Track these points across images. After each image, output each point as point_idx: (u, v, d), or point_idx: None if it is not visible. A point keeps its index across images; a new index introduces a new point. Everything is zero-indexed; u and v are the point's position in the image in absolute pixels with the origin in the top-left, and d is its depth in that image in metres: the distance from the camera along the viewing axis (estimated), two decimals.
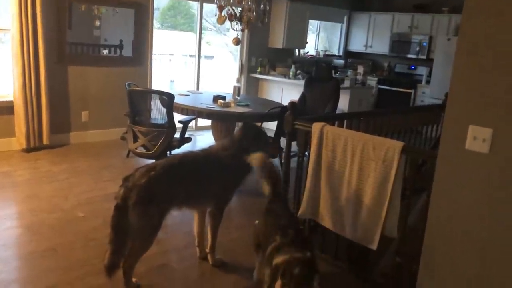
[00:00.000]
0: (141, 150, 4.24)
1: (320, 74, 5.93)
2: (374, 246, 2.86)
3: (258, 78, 7.86)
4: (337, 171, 3.02)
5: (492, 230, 2.26)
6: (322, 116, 4.26)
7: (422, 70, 8.71)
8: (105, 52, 5.81)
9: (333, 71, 6.65)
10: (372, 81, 8.70)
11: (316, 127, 3.12)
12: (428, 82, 8.35)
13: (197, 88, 7.13)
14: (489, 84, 2.20)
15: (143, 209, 2.42)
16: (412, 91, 8.51)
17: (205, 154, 2.87)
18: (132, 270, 2.56)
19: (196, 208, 2.94)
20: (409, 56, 8.73)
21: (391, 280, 2.88)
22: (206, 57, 8.53)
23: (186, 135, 4.54)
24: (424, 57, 8.50)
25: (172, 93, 4.06)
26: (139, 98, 4.29)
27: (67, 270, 2.82)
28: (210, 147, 3.00)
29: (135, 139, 4.16)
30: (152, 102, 4.79)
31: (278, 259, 2.17)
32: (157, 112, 4.35)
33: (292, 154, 3.56)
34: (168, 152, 4.23)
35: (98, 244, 3.17)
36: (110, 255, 2.44)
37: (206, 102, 4.93)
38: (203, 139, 6.66)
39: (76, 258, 2.98)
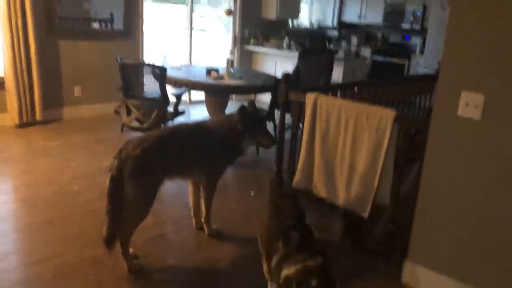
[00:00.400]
0: (135, 123, 4.23)
1: (314, 46, 5.88)
2: (365, 214, 2.91)
3: (252, 51, 7.78)
4: (331, 141, 3.04)
5: (484, 195, 2.31)
6: (316, 87, 4.25)
7: (416, 40, 8.66)
8: (96, 25, 5.72)
9: (327, 43, 6.59)
10: (366, 52, 8.65)
11: (310, 97, 3.12)
12: (422, 52, 8.31)
13: (190, 62, 7.07)
14: (482, 51, 2.21)
15: (138, 179, 2.44)
16: (406, 61, 8.49)
17: (198, 127, 2.88)
18: (129, 241, 2.59)
19: (189, 178, 2.96)
20: (403, 26, 8.66)
21: (384, 247, 2.94)
22: (198, 30, 8.42)
23: (180, 109, 4.52)
24: (418, 27, 8.43)
25: (165, 67, 4.02)
26: (132, 71, 4.26)
27: (64, 242, 2.85)
28: (205, 121, 3.02)
29: (129, 112, 4.15)
30: (145, 76, 4.76)
31: (288, 271, 1.88)
32: (150, 86, 4.32)
33: (286, 127, 3.57)
34: (162, 125, 4.22)
35: (94, 216, 3.20)
36: (107, 226, 2.46)
37: (199, 75, 4.89)
38: (197, 113, 6.64)
39: (73, 230, 3.01)
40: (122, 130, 5.27)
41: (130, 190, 2.43)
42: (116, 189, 2.44)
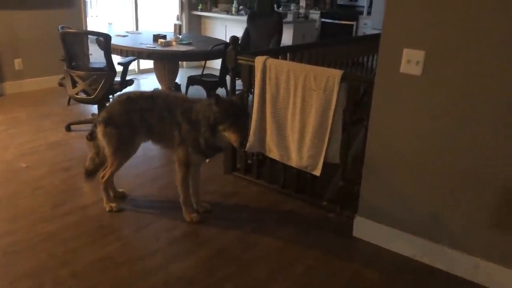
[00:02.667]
0: (82, 95, 4.09)
1: (262, 9, 5.82)
2: (318, 173, 2.98)
3: (200, 16, 7.62)
4: (281, 103, 3.07)
5: (427, 148, 2.42)
6: (265, 50, 4.23)
7: (363, 2, 8.73)
8: None
9: (275, 5, 6.54)
10: (315, 14, 8.65)
11: (259, 60, 3.12)
12: (369, 13, 8.41)
13: (136, 29, 6.85)
14: (423, 7, 2.26)
15: (104, 127, 2.78)
16: (354, 23, 8.57)
17: (180, 101, 2.78)
18: (107, 181, 2.93)
19: (161, 145, 2.97)
20: None
21: (337, 202, 3.05)
22: None
23: (129, 77, 4.40)
24: None
25: (109, 34, 3.87)
26: (74, 41, 4.07)
27: (14, 220, 2.77)
28: (194, 99, 2.83)
29: (74, 84, 3.99)
30: (89, 45, 4.58)
31: None
32: (96, 55, 4.17)
33: (237, 92, 3.55)
34: (110, 96, 4.10)
35: (44, 192, 3.14)
36: (88, 159, 2.98)
37: (146, 42, 4.76)
38: (146, 82, 6.50)
39: (23, 207, 2.93)
40: (68, 103, 5.11)
41: (99, 135, 2.82)
42: (95, 133, 2.88)
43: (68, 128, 4.31)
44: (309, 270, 2.47)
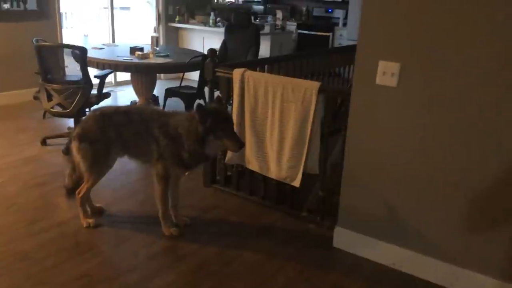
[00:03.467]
0: (57, 109, 4.03)
1: (240, 21, 5.87)
2: (297, 184, 2.99)
3: (178, 28, 7.62)
4: (260, 115, 3.08)
5: (403, 158, 2.46)
6: (242, 62, 4.25)
7: (339, 13, 8.87)
8: (6, 6, 5.31)
9: (252, 17, 6.58)
10: (292, 26, 8.73)
11: (237, 73, 3.13)
12: (345, 24, 8.53)
13: (113, 41, 6.79)
14: (398, 20, 2.31)
15: (78, 143, 2.74)
16: (330, 34, 8.68)
17: (156, 115, 2.76)
18: (83, 197, 2.87)
19: (139, 161, 2.92)
20: None
21: (317, 213, 3.06)
22: (121, 8, 8.10)
23: (105, 90, 4.36)
24: None
25: (85, 47, 3.84)
26: (50, 54, 4.02)
27: None
28: (170, 112, 2.82)
29: (50, 98, 3.93)
30: (65, 58, 4.53)
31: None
32: (72, 68, 4.12)
33: None
34: (87, 109, 4.05)
35: (19, 209, 3.07)
36: (67, 177, 2.94)
37: (122, 55, 4.73)
38: (124, 94, 6.44)
39: None
40: (44, 117, 5.03)
41: (73, 151, 2.79)
42: (69, 148, 2.85)
43: (43, 142, 4.23)
44: (289, 282, 2.47)
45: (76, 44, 3.94)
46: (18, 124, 4.80)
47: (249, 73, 3.10)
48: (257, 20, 8.20)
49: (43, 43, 3.95)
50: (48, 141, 4.28)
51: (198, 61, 4.68)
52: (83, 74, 3.87)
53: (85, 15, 9.81)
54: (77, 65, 3.96)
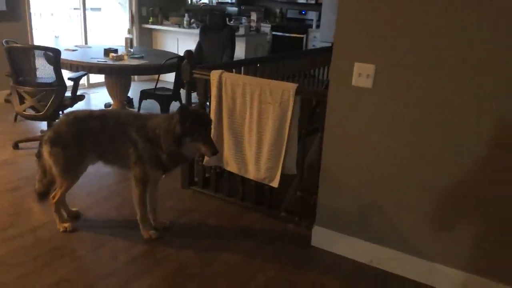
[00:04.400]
0: (30, 111, 3.95)
1: (214, 23, 5.87)
2: (276, 184, 3.02)
3: (151, 29, 7.56)
4: (238, 116, 3.09)
5: (379, 157, 2.51)
6: (219, 64, 4.25)
7: (312, 15, 8.98)
8: None
9: (227, 19, 6.59)
10: (266, 28, 8.79)
11: (214, 75, 3.13)
12: (318, 26, 8.64)
13: (85, 42, 6.69)
14: (372, 23, 2.36)
15: (49, 148, 2.70)
16: (304, 35, 8.78)
17: (132, 117, 2.74)
18: (57, 202, 2.83)
19: (115, 166, 2.85)
20: (299, 1, 8.92)
21: (295, 213, 3.09)
22: (92, 9, 7.96)
23: (79, 92, 4.29)
24: (313, 1, 8.74)
25: (58, 49, 3.77)
26: (21, 55, 3.92)
27: None
28: (146, 114, 2.80)
29: (22, 100, 3.85)
30: (36, 60, 4.42)
31: None
32: (44, 70, 4.02)
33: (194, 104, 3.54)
34: (60, 112, 3.98)
35: None
36: (37, 182, 2.90)
37: (96, 56, 4.67)
38: (97, 96, 6.35)
39: None
40: (15, 120, 4.91)
41: (45, 155, 2.74)
42: (40, 152, 2.80)
43: (16, 146, 4.13)
44: (269, 282, 2.48)
45: (49, 46, 3.86)
46: None
47: (226, 75, 3.11)
48: (231, 22, 8.22)
49: (14, 45, 3.86)
50: (21, 144, 4.18)
51: (174, 63, 4.66)
52: (56, 76, 3.80)
53: (55, 16, 9.61)
54: (49, 67, 3.89)
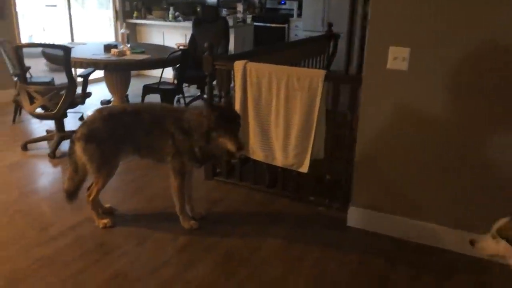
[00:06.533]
0: (40, 111, 3.87)
1: (208, 15, 5.87)
2: (305, 170, 3.10)
3: (135, 23, 7.46)
4: (264, 105, 3.15)
5: (413, 137, 2.63)
6: (238, 54, 4.24)
7: (292, 5, 9.03)
8: None
9: (220, 11, 6.58)
10: (248, 18, 8.80)
11: (238, 65, 3.17)
12: (299, 15, 8.72)
13: (72, 40, 6.55)
14: (406, 7, 2.46)
15: (83, 144, 2.68)
16: (286, 25, 8.84)
17: (167, 111, 2.75)
18: (94, 199, 2.83)
19: (152, 159, 2.86)
20: None
21: (324, 196, 3.19)
22: (47, 6, 7.71)
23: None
24: None
25: (69, 46, 3.71)
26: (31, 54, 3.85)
27: (2, 247, 2.59)
28: (182, 108, 2.85)
29: (32, 100, 3.77)
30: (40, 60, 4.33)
31: None
32: (35, 70, 3.92)
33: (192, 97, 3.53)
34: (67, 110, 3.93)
35: (24, 216, 2.96)
36: (66, 180, 2.87)
37: (97, 53, 4.60)
38: (96, 91, 6.21)
39: (7, 233, 2.73)
40: (14, 121, 4.79)
41: (78, 152, 2.71)
42: (72, 149, 2.77)
43: (24, 147, 4.04)
44: (317, 263, 2.57)
45: (59, 44, 3.79)
46: None
47: (251, 65, 3.16)
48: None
49: (24, 43, 3.77)
50: (28, 145, 4.09)
51: (177, 57, 4.66)
52: (67, 74, 3.73)
53: (25, 14, 9.29)
54: (42, 67, 3.84)
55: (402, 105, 2.61)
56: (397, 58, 2.54)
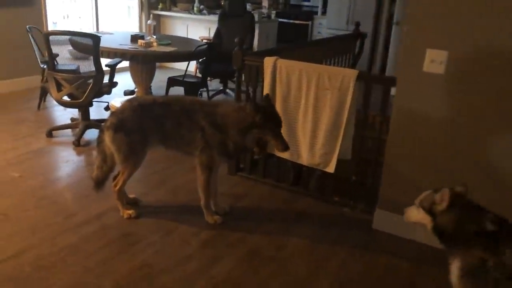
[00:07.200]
0: (67, 99, 3.89)
1: (234, 9, 5.84)
2: (331, 170, 3.06)
3: (160, 15, 7.46)
4: (292, 103, 3.12)
5: (448, 143, 2.58)
6: (266, 50, 4.19)
7: (316, 2, 8.97)
8: None
9: (247, 5, 6.53)
10: (272, 14, 8.75)
11: (268, 61, 3.15)
12: (324, 13, 8.65)
13: (97, 29, 6.58)
14: (445, 9, 2.41)
15: (113, 133, 2.69)
16: (310, 22, 8.78)
17: (199, 104, 2.74)
18: (120, 189, 2.83)
19: (179, 152, 2.85)
20: None
21: (350, 198, 3.15)
22: None
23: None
24: None
25: (97, 35, 3.71)
26: (54, 42, 3.86)
27: (30, 233, 2.61)
28: (215, 102, 2.83)
29: (59, 87, 3.79)
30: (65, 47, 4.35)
31: None
32: (61, 58, 3.92)
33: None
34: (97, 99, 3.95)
35: (50, 203, 2.97)
36: (95, 169, 2.89)
37: (124, 43, 4.60)
38: (119, 81, 6.23)
39: (33, 219, 2.75)
40: (39, 107, 4.83)
41: (107, 141, 2.73)
42: (101, 138, 2.80)
43: (49, 134, 4.07)
44: (344, 264, 2.55)
45: (88, 32, 3.80)
46: (15, 116, 4.56)
47: (281, 61, 3.13)
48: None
49: (53, 30, 3.79)
50: (53, 132, 4.12)
51: (203, 50, 4.64)
52: (95, 63, 3.74)
53: (49, 1, 9.38)
54: (66, 55, 3.86)
55: (436, 108, 2.56)
56: (434, 61, 2.49)
